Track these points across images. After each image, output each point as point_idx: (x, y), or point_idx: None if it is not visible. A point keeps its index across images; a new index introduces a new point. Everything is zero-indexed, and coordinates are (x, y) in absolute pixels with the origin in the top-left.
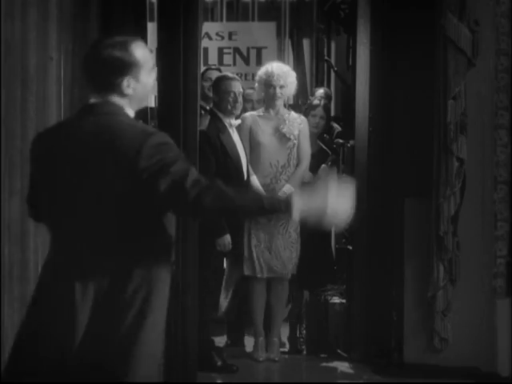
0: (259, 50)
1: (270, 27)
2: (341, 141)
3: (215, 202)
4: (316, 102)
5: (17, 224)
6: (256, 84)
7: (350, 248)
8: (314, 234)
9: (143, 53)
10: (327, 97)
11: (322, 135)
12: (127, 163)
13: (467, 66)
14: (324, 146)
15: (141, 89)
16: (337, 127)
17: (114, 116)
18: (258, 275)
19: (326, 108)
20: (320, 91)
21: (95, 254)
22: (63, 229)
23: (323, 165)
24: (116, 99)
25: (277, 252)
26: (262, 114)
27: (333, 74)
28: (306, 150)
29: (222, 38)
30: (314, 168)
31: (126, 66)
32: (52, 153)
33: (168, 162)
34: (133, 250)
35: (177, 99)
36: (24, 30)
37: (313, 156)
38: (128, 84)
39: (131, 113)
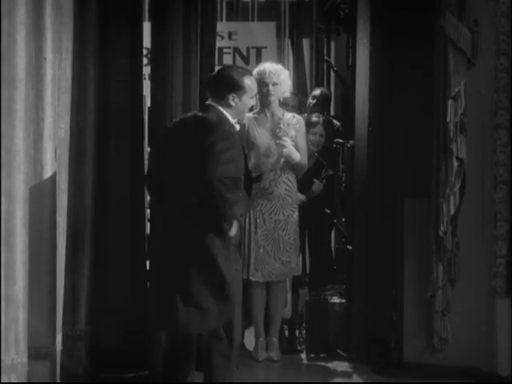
0: (259, 50)
1: (269, 27)
2: (341, 141)
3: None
4: (315, 119)
5: (3, 224)
6: None
7: (350, 248)
8: (313, 234)
9: (250, 83)
10: (324, 97)
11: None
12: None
13: (467, 65)
14: (323, 161)
15: (240, 105)
16: (336, 123)
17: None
18: (253, 279)
19: (326, 125)
20: (317, 118)
21: None
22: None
23: (316, 180)
24: (219, 106)
25: (276, 255)
26: (257, 115)
27: (332, 74)
28: (303, 149)
29: (222, 37)
30: (307, 182)
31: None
32: (171, 135)
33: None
34: None
35: (168, 98)
36: (11, 30)
37: (308, 170)
38: (232, 99)
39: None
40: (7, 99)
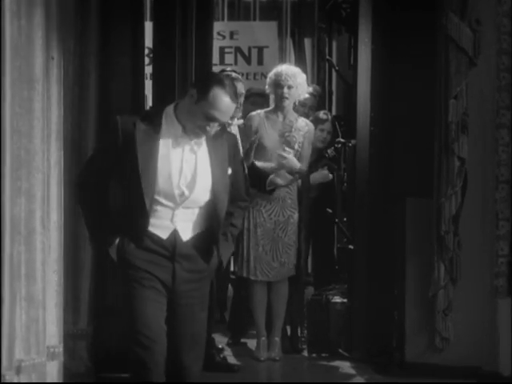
0: (260, 50)
1: (271, 26)
2: (342, 140)
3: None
4: (323, 116)
5: (23, 224)
6: (266, 86)
7: (352, 247)
8: (315, 234)
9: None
10: (317, 93)
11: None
12: None
13: (468, 65)
14: (326, 154)
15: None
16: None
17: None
18: (252, 277)
19: (334, 122)
20: (325, 115)
21: None
22: None
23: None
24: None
25: (275, 255)
26: (269, 114)
27: (334, 74)
28: (306, 157)
29: (224, 37)
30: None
31: None
32: None
33: None
34: None
35: (171, 96)
36: (29, 30)
37: (311, 163)
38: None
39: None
40: (27, 99)
